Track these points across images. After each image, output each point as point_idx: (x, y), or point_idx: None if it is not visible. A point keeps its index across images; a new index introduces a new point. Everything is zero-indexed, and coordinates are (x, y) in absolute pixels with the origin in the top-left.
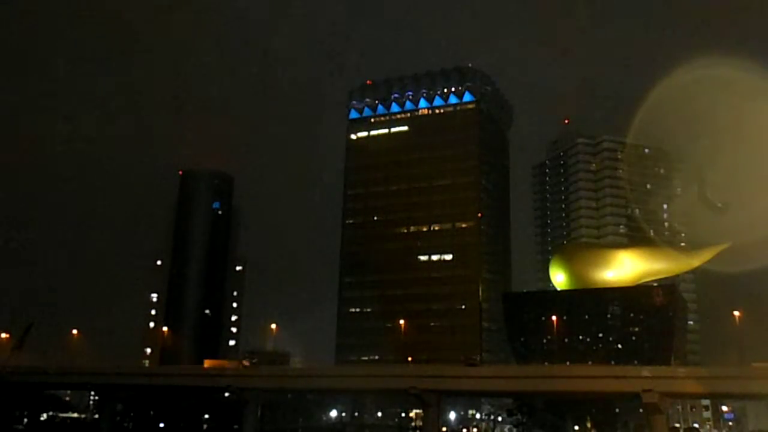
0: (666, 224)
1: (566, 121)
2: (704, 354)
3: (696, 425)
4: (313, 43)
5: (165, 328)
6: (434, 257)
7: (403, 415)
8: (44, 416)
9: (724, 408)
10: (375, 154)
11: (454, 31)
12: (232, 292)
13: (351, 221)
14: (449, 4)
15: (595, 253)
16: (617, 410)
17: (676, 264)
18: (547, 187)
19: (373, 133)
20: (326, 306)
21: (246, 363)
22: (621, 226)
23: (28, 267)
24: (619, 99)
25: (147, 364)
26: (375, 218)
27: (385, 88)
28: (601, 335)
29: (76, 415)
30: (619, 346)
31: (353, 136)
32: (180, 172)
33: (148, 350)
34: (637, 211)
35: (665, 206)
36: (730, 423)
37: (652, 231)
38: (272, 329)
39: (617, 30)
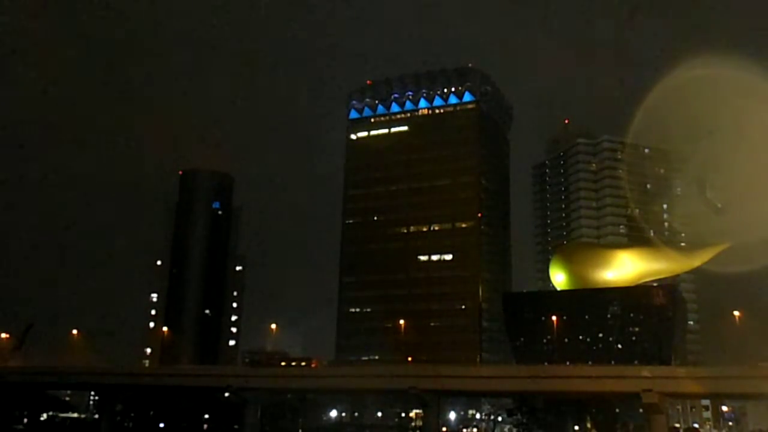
0: (666, 224)
1: (566, 121)
2: (704, 354)
3: (696, 425)
4: (314, 43)
5: (165, 328)
6: (434, 257)
7: (403, 415)
8: (44, 416)
9: (724, 408)
10: (375, 154)
11: (454, 31)
12: (232, 292)
13: (351, 221)
14: (450, 4)
15: (595, 253)
16: (617, 410)
17: (676, 264)
18: (547, 187)
19: (373, 133)
20: (326, 306)
21: None
22: (621, 226)
23: (28, 267)
24: (619, 99)
25: (147, 364)
26: (375, 218)
27: (385, 88)
28: (601, 335)
29: (76, 415)
30: (619, 346)
31: (353, 136)
32: (180, 172)
33: (148, 350)
34: (637, 211)
35: (665, 206)
36: (730, 423)
37: (652, 231)
38: (272, 329)
39: (617, 30)
